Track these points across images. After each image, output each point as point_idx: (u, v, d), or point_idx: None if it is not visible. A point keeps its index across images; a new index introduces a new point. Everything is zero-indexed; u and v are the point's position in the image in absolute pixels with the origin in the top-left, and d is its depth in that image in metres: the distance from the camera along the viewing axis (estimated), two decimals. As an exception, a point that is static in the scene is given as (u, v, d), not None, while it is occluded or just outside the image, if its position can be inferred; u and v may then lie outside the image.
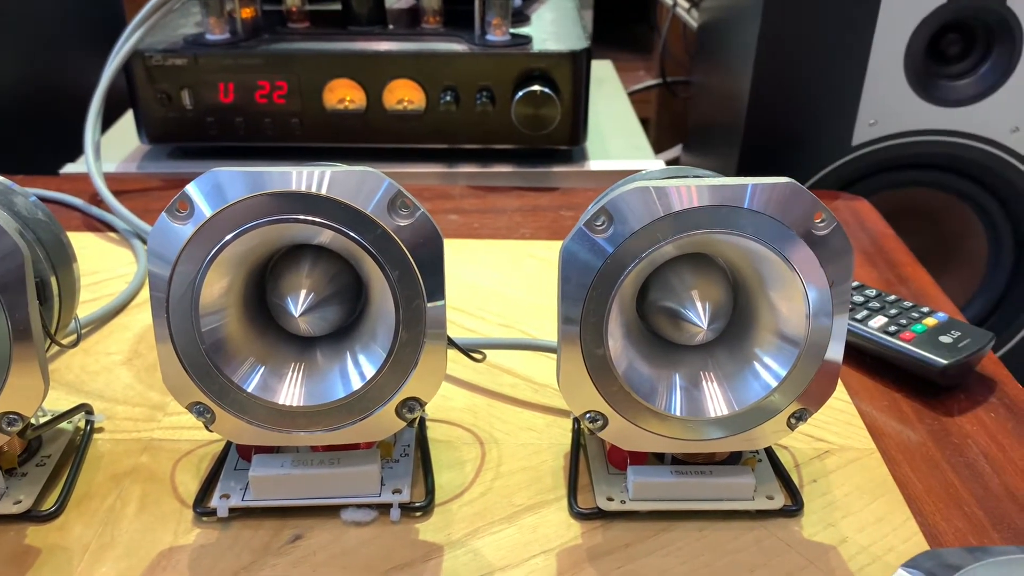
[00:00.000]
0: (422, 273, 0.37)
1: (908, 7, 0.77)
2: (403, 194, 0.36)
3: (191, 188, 0.36)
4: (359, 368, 0.38)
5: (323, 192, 0.36)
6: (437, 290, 0.37)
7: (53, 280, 0.41)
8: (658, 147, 1.34)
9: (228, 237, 0.36)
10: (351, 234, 0.36)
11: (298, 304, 0.37)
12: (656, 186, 0.36)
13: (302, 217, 0.36)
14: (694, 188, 0.36)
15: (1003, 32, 0.78)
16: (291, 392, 0.38)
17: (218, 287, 0.37)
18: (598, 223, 0.36)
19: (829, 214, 0.36)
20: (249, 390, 0.37)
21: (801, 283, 0.36)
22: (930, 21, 0.77)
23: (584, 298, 0.37)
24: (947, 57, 0.81)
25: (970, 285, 0.89)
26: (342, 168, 0.36)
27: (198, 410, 0.38)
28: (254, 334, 0.38)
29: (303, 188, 0.36)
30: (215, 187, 0.36)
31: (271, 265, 0.39)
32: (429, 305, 0.37)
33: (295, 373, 0.38)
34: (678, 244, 0.37)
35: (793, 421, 0.39)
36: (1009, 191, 0.84)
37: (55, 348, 0.49)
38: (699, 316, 0.37)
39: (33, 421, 0.42)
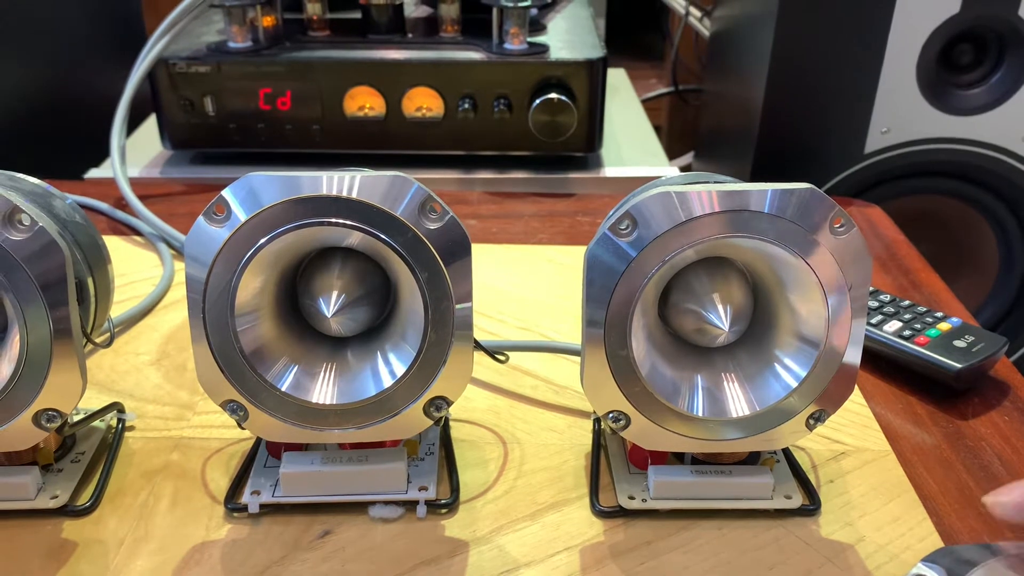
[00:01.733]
0: (450, 275, 0.38)
1: (920, 17, 0.78)
2: (433, 198, 0.37)
3: (227, 193, 0.37)
4: (390, 367, 0.39)
5: (354, 196, 0.37)
6: (465, 292, 0.38)
7: (90, 281, 0.42)
8: (670, 154, 1.35)
9: (263, 240, 0.37)
10: (383, 237, 0.37)
11: (330, 305, 0.38)
12: (678, 191, 0.37)
13: (335, 220, 0.37)
14: (715, 193, 0.37)
15: (1015, 42, 0.79)
16: (324, 391, 0.39)
17: (252, 288, 0.38)
18: (622, 227, 0.37)
19: (848, 218, 0.37)
20: (283, 389, 0.38)
21: (820, 286, 0.37)
22: (942, 31, 0.78)
23: (608, 301, 0.38)
24: (959, 66, 0.81)
25: (981, 291, 0.90)
26: (372, 173, 0.37)
27: (232, 408, 0.39)
28: (287, 334, 0.40)
29: (334, 192, 0.37)
30: (250, 192, 0.37)
31: (302, 267, 0.40)
32: (457, 307, 0.38)
33: (327, 372, 0.39)
34: (699, 248, 0.38)
35: (811, 422, 0.40)
36: (1021, 198, 0.84)
37: (89, 347, 0.51)
38: (720, 319, 0.38)
39: (69, 418, 0.43)
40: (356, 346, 0.40)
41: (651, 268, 0.37)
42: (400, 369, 0.38)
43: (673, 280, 0.40)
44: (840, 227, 0.37)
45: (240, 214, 0.37)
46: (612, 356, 0.39)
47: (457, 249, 0.38)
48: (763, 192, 0.37)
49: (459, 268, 0.38)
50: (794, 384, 0.39)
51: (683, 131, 1.41)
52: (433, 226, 0.37)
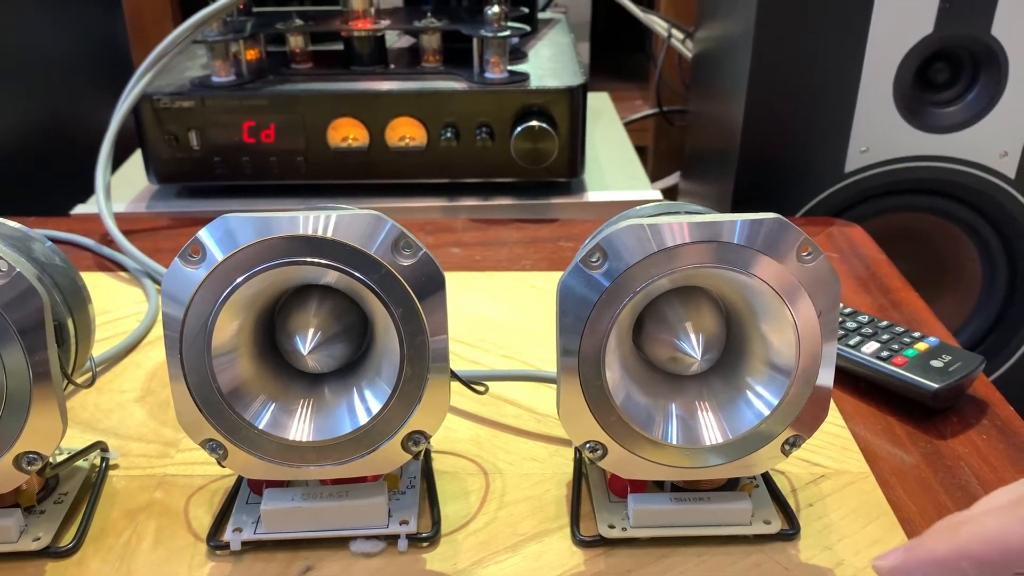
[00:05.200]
0: (425, 310, 0.38)
1: (895, 37, 0.79)
2: (406, 235, 0.38)
3: (203, 234, 0.37)
4: (365, 403, 0.39)
5: (329, 235, 0.37)
6: (440, 326, 0.39)
7: (70, 322, 0.43)
8: (655, 175, 1.36)
9: (239, 280, 0.37)
10: (356, 274, 0.37)
11: (306, 342, 0.38)
12: (649, 223, 0.38)
13: (309, 259, 0.37)
14: (686, 225, 0.38)
15: (989, 60, 0.80)
16: (301, 428, 0.39)
17: (230, 328, 0.38)
18: (593, 259, 0.38)
19: (814, 246, 0.38)
20: (260, 427, 0.38)
21: (790, 313, 0.38)
22: (917, 51, 0.79)
23: (582, 331, 0.38)
24: (935, 85, 0.82)
25: (965, 307, 0.91)
26: (347, 212, 0.38)
27: (211, 447, 0.39)
28: (264, 372, 0.40)
29: (310, 232, 0.37)
30: (226, 232, 0.37)
31: (279, 305, 0.40)
32: (432, 340, 0.38)
33: (304, 409, 0.40)
34: (671, 278, 0.38)
35: (787, 447, 0.40)
36: (1000, 214, 0.85)
37: (71, 387, 0.51)
38: (693, 347, 0.39)
39: (51, 460, 0.43)
40: (333, 382, 0.41)
41: (624, 298, 0.38)
42: (376, 406, 0.39)
43: (647, 309, 0.40)
44: (807, 255, 0.38)
45: (216, 255, 0.37)
46: (587, 386, 0.39)
47: (431, 284, 0.38)
48: (733, 222, 0.38)
49: (433, 303, 0.38)
50: (766, 412, 0.39)
51: (669, 152, 1.42)
52: (406, 263, 0.38)
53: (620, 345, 0.40)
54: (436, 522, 0.43)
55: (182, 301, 0.37)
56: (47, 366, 0.38)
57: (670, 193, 1.30)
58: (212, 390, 0.38)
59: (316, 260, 0.37)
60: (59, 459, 0.45)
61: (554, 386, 0.53)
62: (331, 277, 0.38)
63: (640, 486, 0.43)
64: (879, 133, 0.82)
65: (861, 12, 0.78)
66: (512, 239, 0.75)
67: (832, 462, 0.48)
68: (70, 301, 0.43)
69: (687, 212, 0.42)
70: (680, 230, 0.38)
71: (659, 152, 1.44)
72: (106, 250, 0.71)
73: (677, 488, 0.43)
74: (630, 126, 1.18)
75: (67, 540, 0.42)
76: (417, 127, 0.77)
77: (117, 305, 0.64)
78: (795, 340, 0.38)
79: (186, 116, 0.77)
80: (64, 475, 0.46)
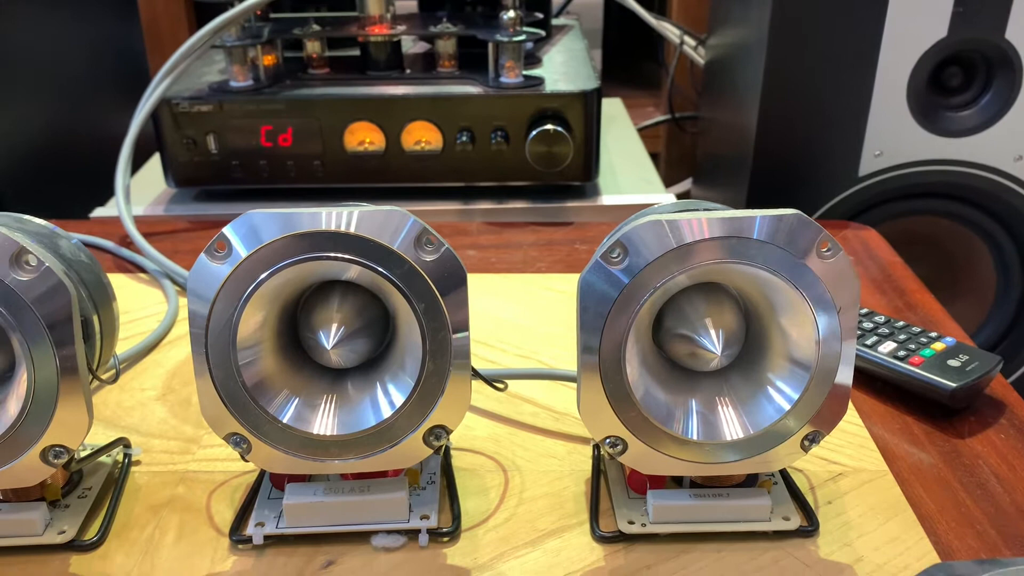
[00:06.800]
0: (447, 306, 0.38)
1: (909, 42, 0.79)
2: (428, 231, 0.38)
3: (228, 230, 0.38)
4: (388, 397, 0.39)
5: (352, 231, 0.38)
6: (462, 322, 0.39)
7: (95, 318, 0.43)
8: (668, 181, 1.36)
9: (263, 275, 0.38)
10: (380, 269, 0.38)
11: (330, 337, 0.39)
12: (669, 219, 0.38)
13: (333, 255, 0.38)
14: (705, 221, 0.38)
15: (1003, 64, 0.80)
16: (324, 422, 0.39)
17: (254, 323, 0.39)
18: (614, 255, 0.38)
19: (834, 243, 0.38)
20: (285, 421, 0.39)
21: (810, 309, 0.38)
22: (931, 55, 0.79)
23: (602, 327, 0.39)
24: (949, 89, 0.83)
25: (980, 311, 0.90)
26: (370, 208, 0.38)
27: (235, 441, 0.40)
28: (288, 367, 0.40)
29: (333, 227, 0.38)
30: (251, 229, 0.38)
31: (303, 301, 0.41)
32: (454, 336, 0.39)
33: (328, 404, 0.40)
34: (691, 274, 0.38)
35: (806, 443, 0.41)
36: (1015, 218, 0.85)
37: (95, 383, 0.51)
38: (713, 343, 0.39)
39: (76, 454, 0.44)
40: (356, 377, 0.41)
41: (644, 294, 0.38)
42: (399, 399, 0.39)
43: (666, 306, 0.41)
44: (827, 251, 0.38)
45: (241, 250, 0.38)
46: (607, 382, 0.39)
47: (453, 280, 0.38)
48: (752, 219, 0.38)
49: (455, 298, 0.39)
50: (787, 407, 0.39)
51: (681, 158, 1.42)
52: (429, 258, 0.38)
53: (640, 341, 0.40)
54: (456, 517, 0.43)
55: (207, 297, 0.38)
56: (74, 361, 0.38)
57: (683, 199, 1.30)
58: (237, 384, 0.38)
59: (339, 255, 0.38)
60: (83, 454, 0.45)
61: (572, 385, 0.54)
62: (354, 272, 0.39)
63: (659, 482, 0.43)
64: (893, 137, 0.82)
65: (874, 16, 0.78)
66: (527, 242, 0.75)
67: (850, 460, 0.48)
68: (96, 297, 0.44)
69: (706, 209, 0.42)
70: (700, 226, 0.38)
71: (671, 158, 1.44)
72: (125, 252, 0.72)
73: (696, 484, 0.43)
74: (642, 132, 1.18)
75: (91, 534, 0.42)
76: (433, 131, 0.78)
77: (137, 306, 0.64)
78: (815, 335, 0.38)
79: (204, 120, 0.78)
80: (88, 470, 0.46)
